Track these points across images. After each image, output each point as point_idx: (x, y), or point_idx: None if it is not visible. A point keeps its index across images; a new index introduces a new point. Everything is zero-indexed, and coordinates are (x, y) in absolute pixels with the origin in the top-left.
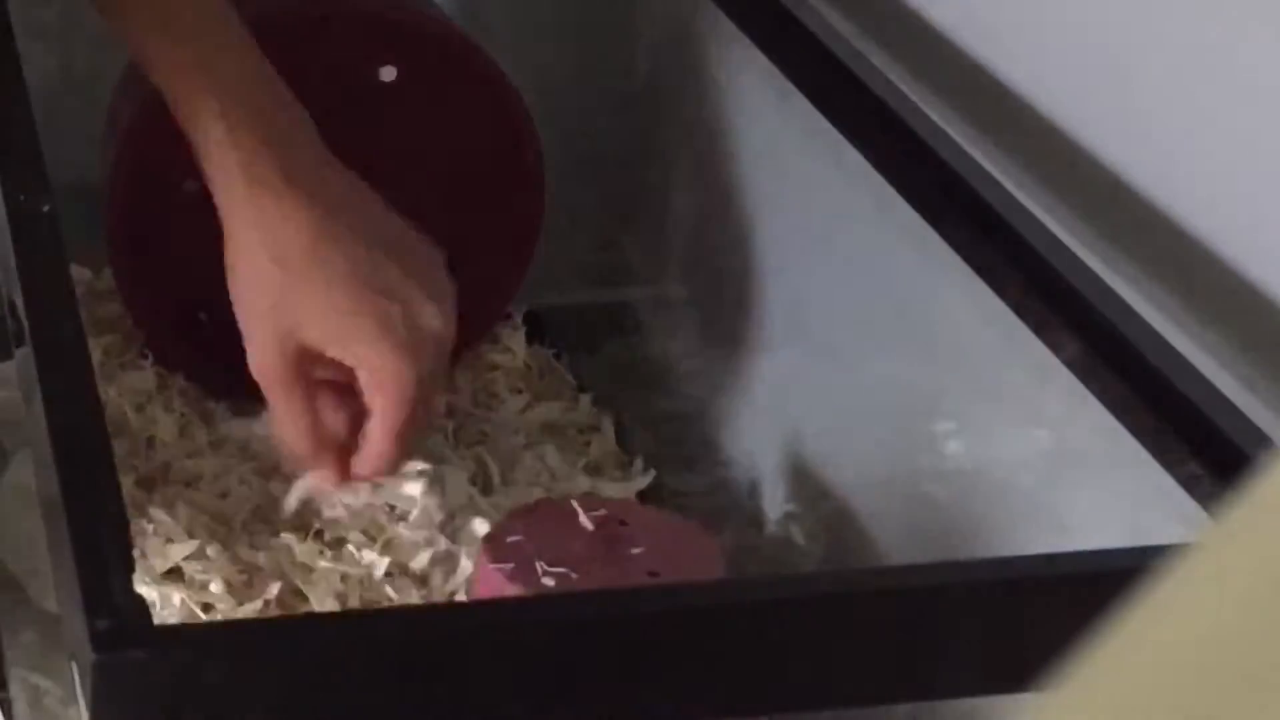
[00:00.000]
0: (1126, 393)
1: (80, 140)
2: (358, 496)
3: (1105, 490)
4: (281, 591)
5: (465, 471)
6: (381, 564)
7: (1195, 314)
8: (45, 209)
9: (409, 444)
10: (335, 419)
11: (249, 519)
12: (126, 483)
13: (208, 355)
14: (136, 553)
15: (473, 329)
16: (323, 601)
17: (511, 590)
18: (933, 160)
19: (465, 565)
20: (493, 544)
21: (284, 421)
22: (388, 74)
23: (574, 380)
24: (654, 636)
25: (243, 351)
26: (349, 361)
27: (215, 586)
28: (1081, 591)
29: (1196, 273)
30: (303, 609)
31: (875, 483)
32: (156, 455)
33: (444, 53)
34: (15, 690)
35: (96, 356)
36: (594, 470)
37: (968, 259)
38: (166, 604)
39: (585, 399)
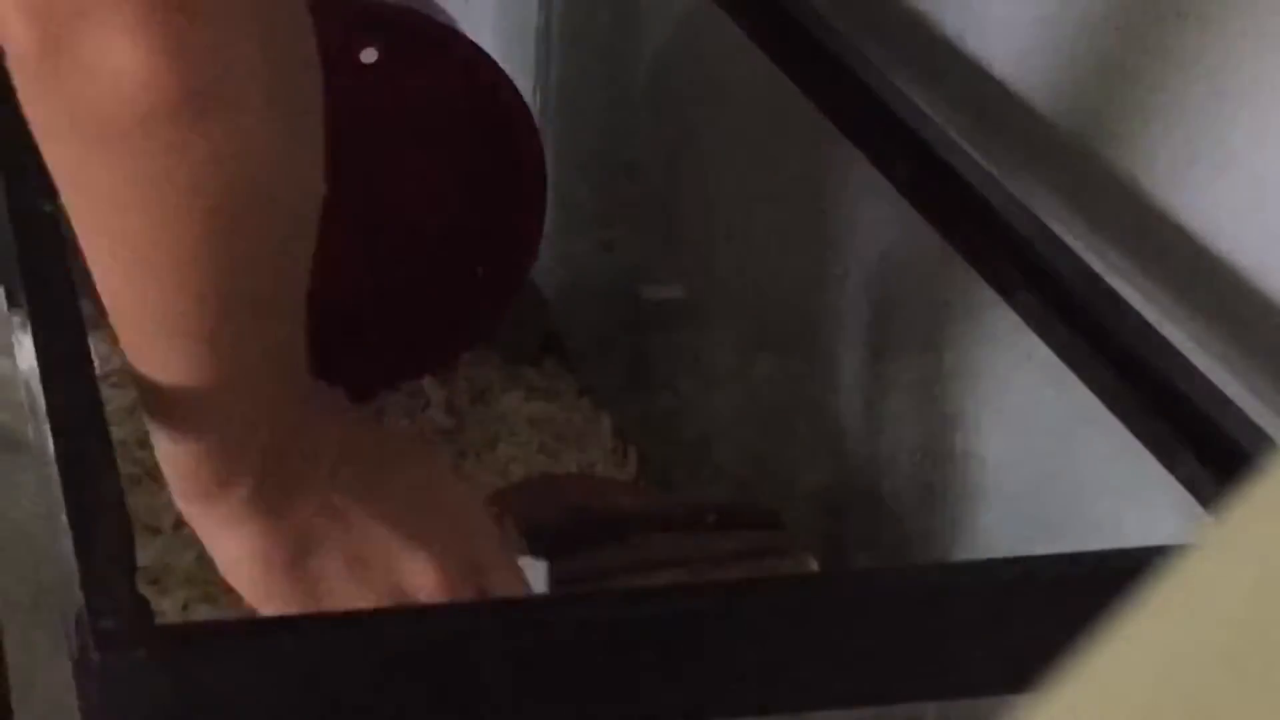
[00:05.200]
0: (1127, 392)
1: None
2: None
3: (1105, 490)
4: None
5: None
6: None
7: (1195, 314)
8: (46, 209)
9: None
10: None
11: None
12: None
13: None
14: None
15: (473, 329)
16: None
17: None
18: (934, 160)
19: None
20: None
21: None
22: (368, 55)
23: (573, 378)
24: (654, 637)
25: None
26: None
27: None
28: (1081, 591)
29: (1197, 272)
30: None
31: (873, 482)
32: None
33: (445, 54)
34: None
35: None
36: (591, 464)
37: (968, 258)
38: None
39: (584, 396)
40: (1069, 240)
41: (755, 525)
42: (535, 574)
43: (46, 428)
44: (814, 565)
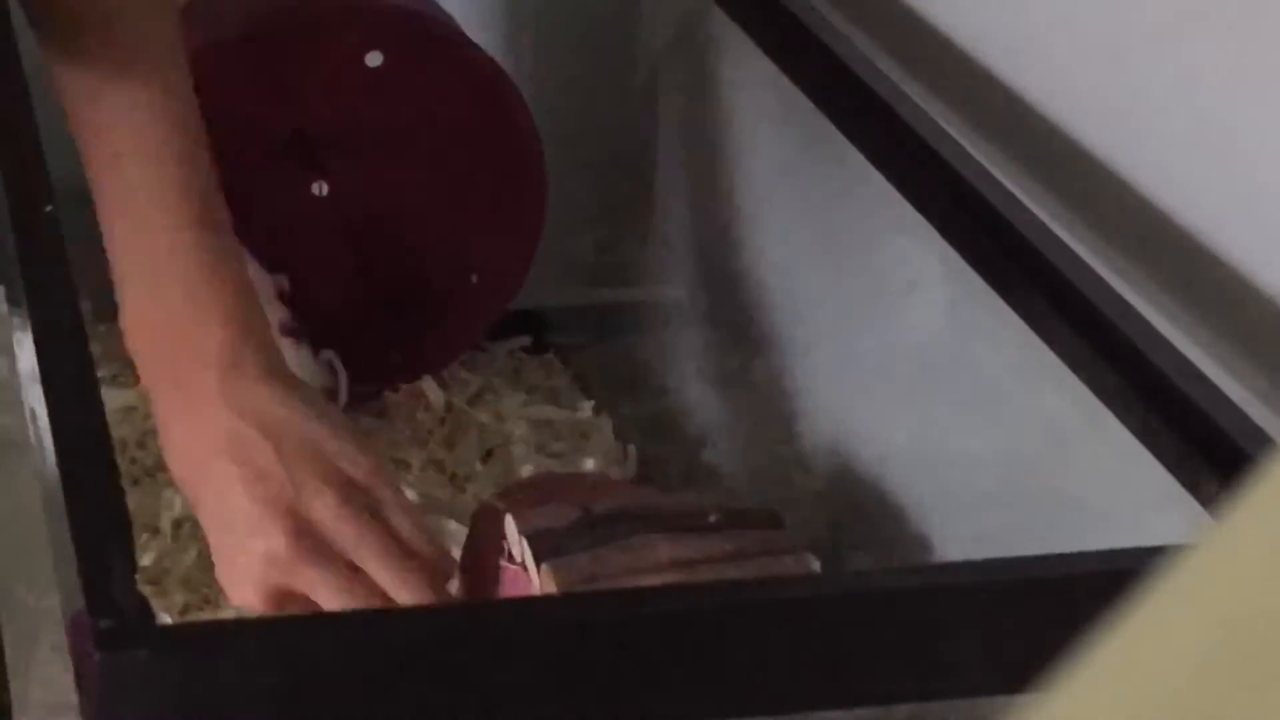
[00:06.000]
0: (1127, 392)
1: None
2: None
3: (1105, 490)
4: None
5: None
6: None
7: (1195, 314)
8: (46, 209)
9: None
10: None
11: None
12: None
13: None
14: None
15: (473, 328)
16: None
17: (496, 566)
18: (933, 160)
19: None
20: (481, 522)
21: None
22: (374, 59)
23: (573, 378)
24: (654, 637)
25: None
26: None
27: None
28: (1081, 591)
29: (1197, 272)
30: None
31: (875, 483)
32: (149, 454)
33: (445, 54)
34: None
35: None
36: (591, 464)
37: (968, 258)
38: None
39: (584, 396)
40: (1069, 240)
41: (757, 526)
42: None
43: (46, 428)
44: (816, 566)
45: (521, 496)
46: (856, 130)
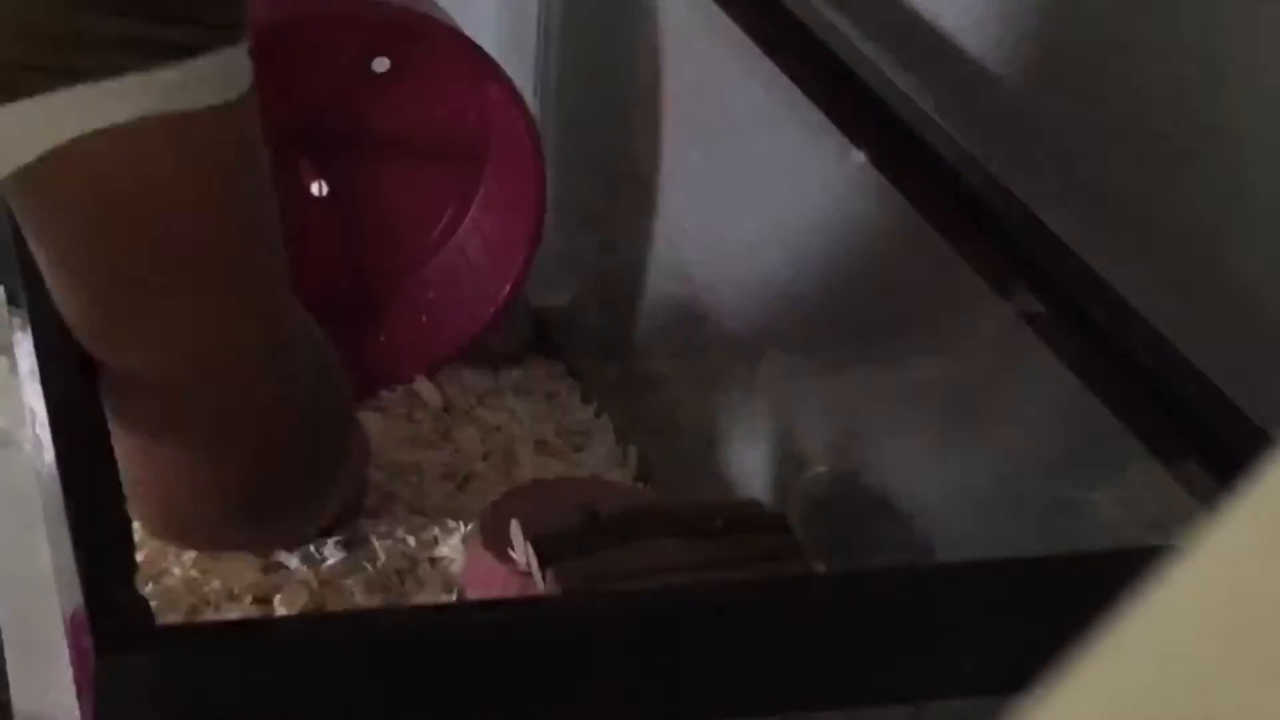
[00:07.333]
0: (1126, 391)
1: None
2: None
3: (1105, 490)
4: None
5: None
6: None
7: (1195, 313)
8: None
9: None
10: None
11: None
12: None
13: None
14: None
15: (473, 329)
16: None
17: (502, 570)
18: (934, 160)
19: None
20: (485, 526)
21: None
22: (380, 65)
23: (573, 379)
24: (654, 637)
25: None
26: None
27: None
28: (1082, 591)
29: (1196, 271)
30: None
31: (874, 482)
32: None
33: (443, 52)
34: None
35: None
36: (591, 465)
37: (967, 258)
38: None
39: (584, 398)
40: (1069, 240)
41: (763, 530)
42: None
43: (46, 428)
44: (821, 570)
45: (526, 500)
46: (856, 130)
